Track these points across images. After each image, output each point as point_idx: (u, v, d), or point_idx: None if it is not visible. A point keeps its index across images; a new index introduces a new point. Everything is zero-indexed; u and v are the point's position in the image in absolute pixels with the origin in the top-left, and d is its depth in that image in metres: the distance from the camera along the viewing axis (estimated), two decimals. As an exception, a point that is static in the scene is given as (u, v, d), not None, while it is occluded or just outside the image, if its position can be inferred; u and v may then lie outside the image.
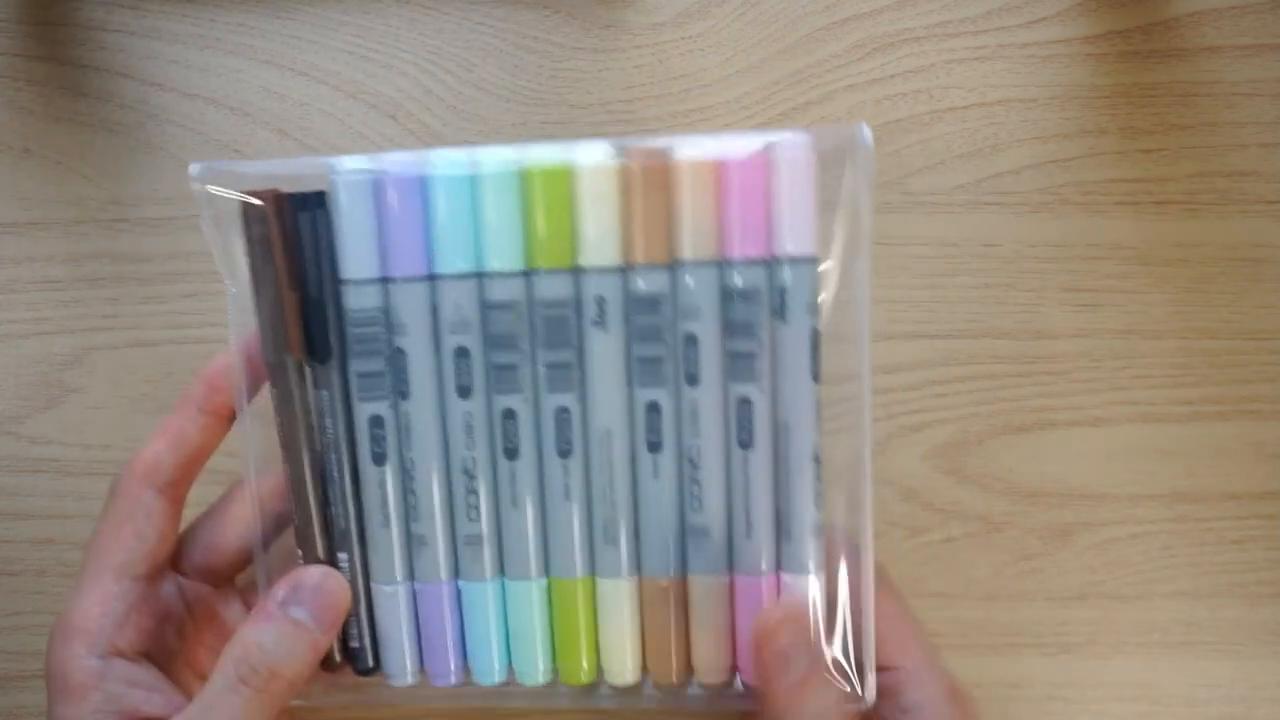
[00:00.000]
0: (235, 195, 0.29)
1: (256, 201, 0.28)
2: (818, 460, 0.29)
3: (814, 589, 0.29)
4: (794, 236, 0.28)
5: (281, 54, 0.39)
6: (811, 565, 0.29)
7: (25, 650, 0.40)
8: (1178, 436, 0.39)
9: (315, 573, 0.29)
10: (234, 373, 0.30)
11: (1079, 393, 0.39)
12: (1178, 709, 0.40)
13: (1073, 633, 0.40)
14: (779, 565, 0.30)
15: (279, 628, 0.28)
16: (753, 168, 0.28)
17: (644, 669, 0.31)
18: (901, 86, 0.39)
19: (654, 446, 0.29)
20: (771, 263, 0.29)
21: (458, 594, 0.31)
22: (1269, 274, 0.39)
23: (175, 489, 0.30)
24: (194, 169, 0.29)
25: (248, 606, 0.32)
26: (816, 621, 0.29)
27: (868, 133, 0.28)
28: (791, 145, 0.28)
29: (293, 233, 0.29)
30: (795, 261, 0.28)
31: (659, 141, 0.29)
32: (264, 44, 0.39)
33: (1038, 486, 0.39)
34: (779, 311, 0.29)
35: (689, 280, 0.29)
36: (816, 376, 0.29)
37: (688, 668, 0.31)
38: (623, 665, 0.30)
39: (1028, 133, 0.39)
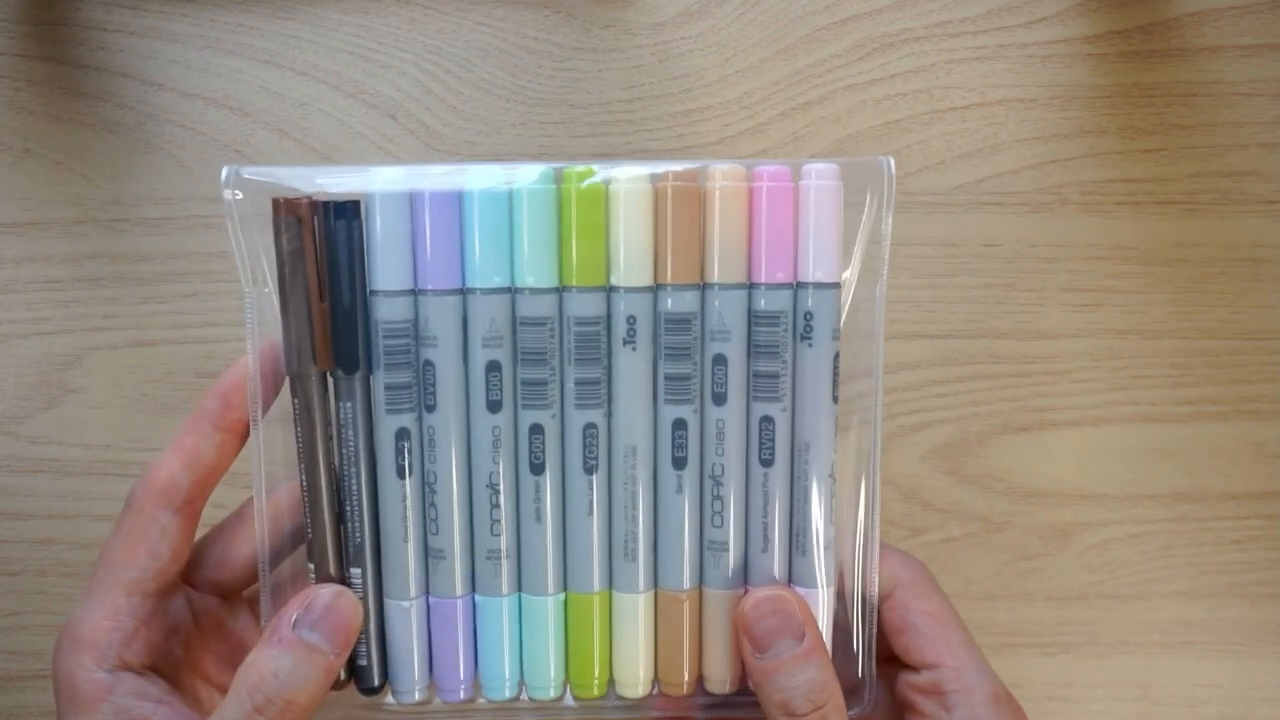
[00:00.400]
0: (267, 201, 0.28)
1: (295, 208, 0.28)
2: (833, 478, 0.30)
3: (824, 602, 0.30)
4: (819, 264, 0.29)
5: (281, 54, 0.39)
6: (822, 579, 0.30)
7: (25, 650, 0.40)
8: (1178, 436, 0.39)
9: (327, 592, 0.29)
10: (252, 384, 0.29)
11: (1079, 393, 0.39)
12: (1178, 709, 0.40)
13: (1073, 633, 0.40)
14: (791, 579, 0.30)
15: (293, 654, 0.27)
16: (782, 195, 0.29)
17: (654, 679, 0.31)
18: (901, 86, 0.39)
19: (679, 463, 0.30)
20: (797, 287, 0.29)
21: (472, 609, 0.31)
22: (1269, 274, 0.39)
23: (190, 507, 0.30)
24: (225, 173, 0.29)
25: (255, 618, 0.32)
26: (815, 622, 0.30)
27: (892, 164, 0.29)
28: (820, 174, 0.29)
29: (325, 242, 0.28)
30: (820, 287, 0.29)
31: (692, 164, 0.29)
32: (264, 44, 0.39)
33: (1038, 486, 0.39)
34: (805, 335, 0.29)
35: (717, 302, 0.29)
36: (836, 398, 0.30)
37: (698, 678, 0.31)
38: (635, 677, 0.31)
39: (1028, 133, 0.39)
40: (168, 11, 0.39)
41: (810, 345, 0.29)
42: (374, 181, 0.29)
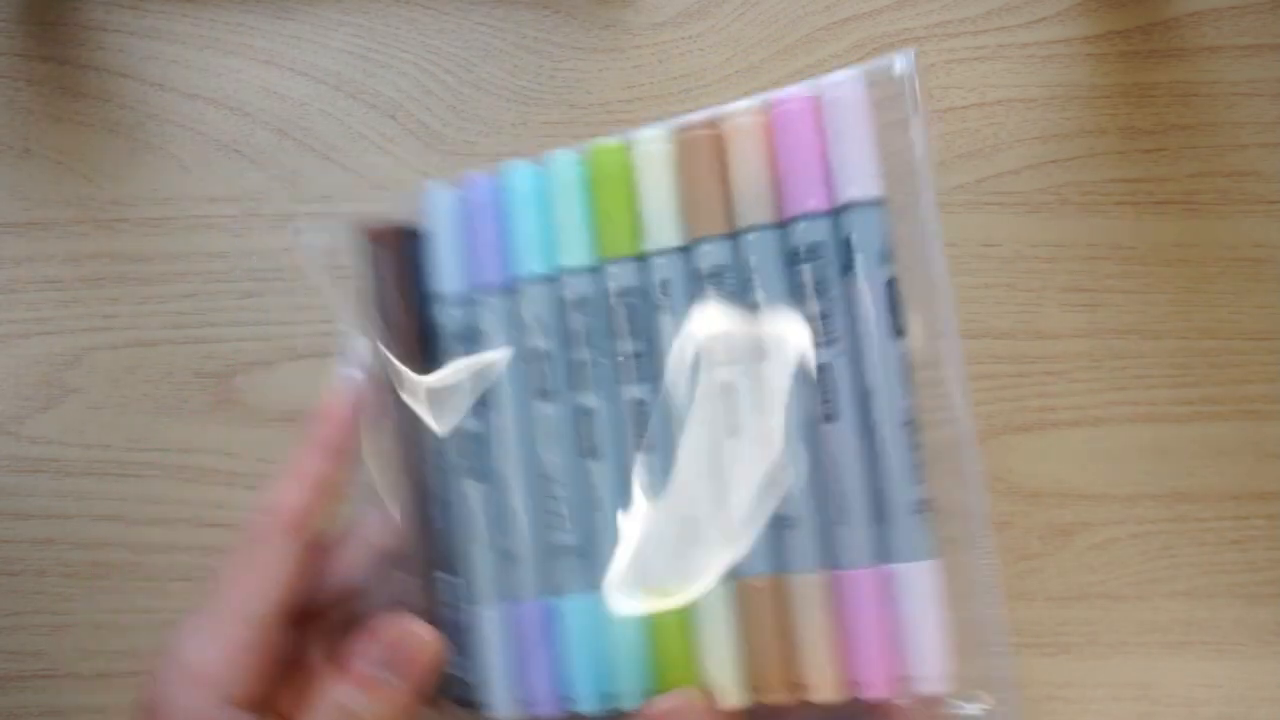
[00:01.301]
0: (328, 242, 0.31)
1: (383, 235, 0.30)
2: (912, 425, 0.25)
3: (928, 578, 0.25)
4: (856, 180, 0.26)
5: (281, 54, 0.39)
6: (916, 550, 0.25)
7: (25, 650, 0.40)
8: (1178, 436, 0.39)
9: (402, 627, 0.28)
10: (356, 406, 0.30)
11: (1079, 393, 0.39)
12: (1178, 709, 0.40)
13: (1073, 633, 0.40)
14: (879, 555, 0.25)
15: (370, 693, 0.27)
16: (802, 115, 0.26)
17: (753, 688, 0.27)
18: (901, 86, 0.39)
19: (731, 430, 0.26)
20: (836, 213, 0.26)
21: (560, 613, 0.28)
22: (1269, 274, 0.39)
23: (313, 536, 0.29)
24: (294, 231, 0.31)
25: (327, 649, 0.31)
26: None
27: (910, 58, 0.26)
28: (840, 85, 0.26)
29: (408, 263, 0.30)
30: (861, 206, 0.25)
31: (706, 113, 0.27)
32: (264, 44, 0.39)
33: (1038, 486, 0.39)
34: (850, 265, 0.26)
35: (750, 247, 0.26)
36: (900, 330, 0.25)
37: (798, 684, 0.26)
38: (726, 683, 0.26)
39: (1028, 133, 0.39)
40: (168, 11, 0.39)
41: (858, 275, 0.25)
42: (430, 197, 0.30)
